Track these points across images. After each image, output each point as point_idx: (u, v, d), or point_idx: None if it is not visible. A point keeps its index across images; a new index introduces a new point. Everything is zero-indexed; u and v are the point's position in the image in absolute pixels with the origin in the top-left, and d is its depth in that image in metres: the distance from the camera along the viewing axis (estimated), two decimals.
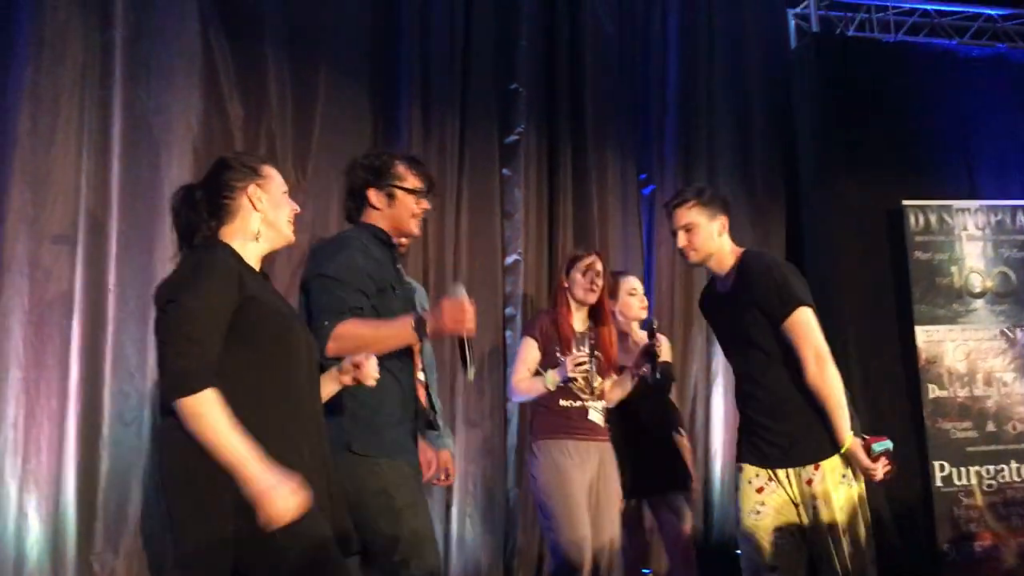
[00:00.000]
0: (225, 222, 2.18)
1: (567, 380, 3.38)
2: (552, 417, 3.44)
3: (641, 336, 3.73)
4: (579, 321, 3.58)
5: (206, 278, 2.02)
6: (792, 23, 5.86)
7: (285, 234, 2.27)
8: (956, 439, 5.13)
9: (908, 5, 5.89)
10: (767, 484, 2.78)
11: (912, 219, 5.35)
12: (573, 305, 3.57)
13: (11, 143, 3.69)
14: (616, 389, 3.58)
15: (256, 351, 2.05)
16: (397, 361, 2.54)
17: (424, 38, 4.72)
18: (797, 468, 2.74)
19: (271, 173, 2.28)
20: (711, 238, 2.87)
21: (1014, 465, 5.14)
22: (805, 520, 2.73)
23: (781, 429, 2.76)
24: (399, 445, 2.52)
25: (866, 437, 2.71)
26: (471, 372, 2.54)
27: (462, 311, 2.41)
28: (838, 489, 2.71)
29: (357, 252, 2.53)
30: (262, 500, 1.89)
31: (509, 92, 4.94)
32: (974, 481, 5.09)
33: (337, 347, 2.38)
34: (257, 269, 2.22)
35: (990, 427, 5.17)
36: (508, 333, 4.75)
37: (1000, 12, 6.00)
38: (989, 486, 5.10)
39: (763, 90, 5.70)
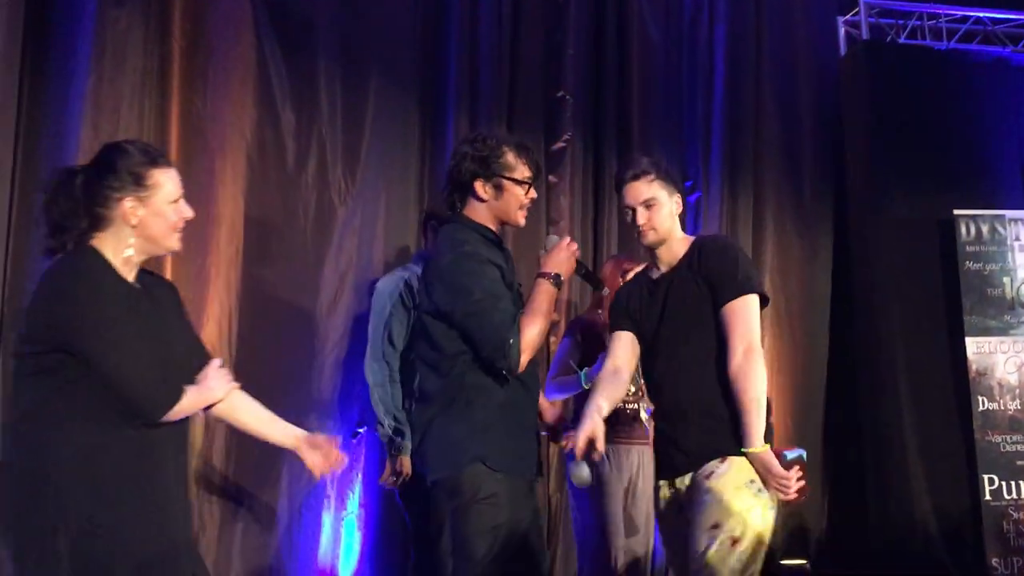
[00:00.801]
0: (98, 228, 2.07)
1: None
2: None
3: None
4: None
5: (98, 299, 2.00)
6: (842, 30, 5.82)
7: (165, 246, 2.15)
8: (1006, 452, 5.05)
9: (960, 12, 5.81)
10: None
11: (963, 229, 5.28)
12: None
13: (73, 150, 3.81)
14: None
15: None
16: (528, 365, 2.50)
17: (472, 47, 4.77)
18: (700, 468, 2.42)
19: (159, 181, 2.11)
20: (671, 217, 2.59)
21: None
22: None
23: (696, 431, 2.44)
24: (526, 456, 2.49)
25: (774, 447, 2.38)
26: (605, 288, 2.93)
27: (567, 249, 2.56)
28: (741, 492, 2.34)
29: (487, 266, 2.47)
30: None
31: (556, 100, 4.97)
32: None
33: (528, 356, 2.42)
34: (134, 273, 2.14)
35: None
36: (551, 339, 4.78)
37: None
38: None
39: (812, 97, 5.66)
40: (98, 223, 2.06)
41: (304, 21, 4.39)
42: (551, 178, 4.91)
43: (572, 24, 5.02)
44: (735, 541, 2.30)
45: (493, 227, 2.59)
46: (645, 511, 3.47)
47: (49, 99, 3.85)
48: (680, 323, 2.52)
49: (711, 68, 5.43)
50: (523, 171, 2.57)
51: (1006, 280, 5.26)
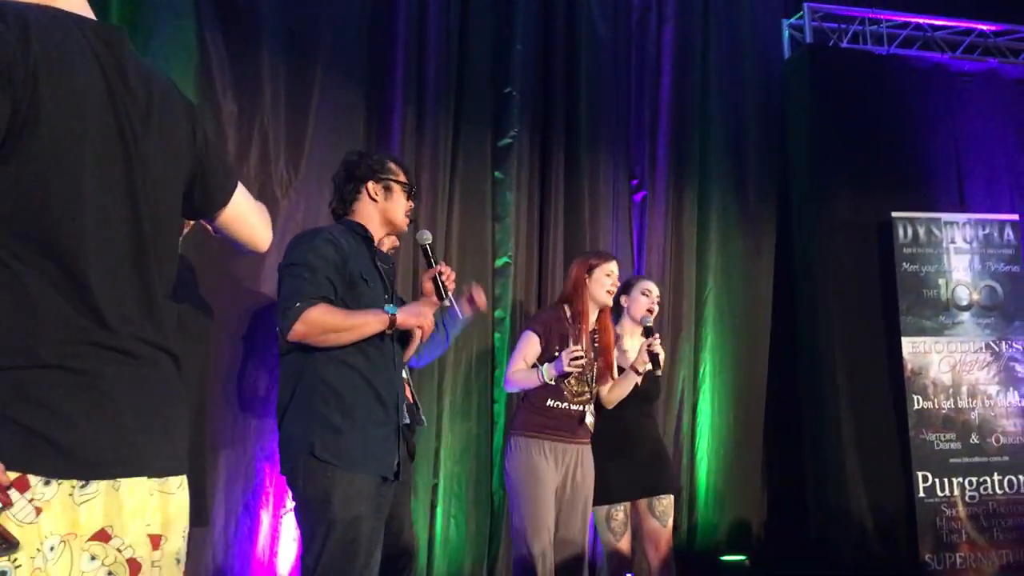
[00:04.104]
0: None
1: (562, 374, 3.41)
2: (535, 415, 3.47)
3: (635, 341, 3.79)
4: (590, 323, 3.62)
5: None
6: (786, 33, 5.90)
7: None
8: (940, 450, 5.17)
9: (901, 18, 5.93)
10: None
11: (901, 231, 5.39)
12: (591, 305, 3.60)
13: None
14: (617, 388, 3.62)
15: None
16: (367, 361, 2.53)
17: (420, 40, 4.73)
18: None
19: None
20: None
21: (996, 477, 5.18)
22: None
23: None
24: (368, 453, 2.49)
25: None
26: (448, 301, 2.67)
27: (426, 315, 2.61)
28: None
29: (326, 244, 2.55)
30: None
31: (503, 95, 4.96)
32: (956, 492, 5.13)
33: (305, 330, 2.42)
34: None
35: (974, 439, 5.21)
36: (496, 335, 4.77)
37: (992, 27, 6.05)
38: (971, 498, 5.13)
39: (757, 99, 5.73)
40: None
41: (248, 7, 4.30)
42: (497, 174, 4.90)
43: (521, 20, 5.01)
44: None
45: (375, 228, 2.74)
46: (582, 507, 3.48)
47: None
48: None
49: (658, 67, 5.47)
50: (405, 178, 2.79)
51: (941, 282, 5.39)
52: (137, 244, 1.38)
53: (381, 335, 2.56)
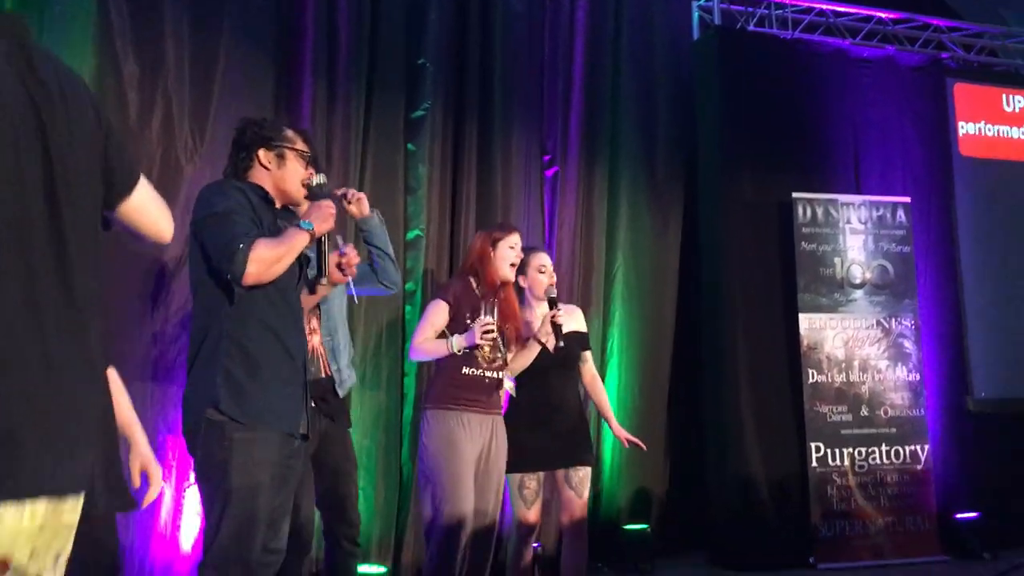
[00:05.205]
0: None
1: (473, 346, 3.42)
2: (450, 386, 3.47)
3: (542, 311, 3.81)
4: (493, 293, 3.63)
5: None
6: (696, 15, 6.00)
7: None
8: (832, 422, 5.40)
9: (805, 4, 6.10)
10: None
11: (800, 211, 5.57)
12: (496, 278, 3.60)
13: None
14: (519, 358, 3.64)
15: None
16: (277, 316, 2.49)
17: (331, 7, 4.64)
18: None
19: None
20: None
21: (884, 448, 5.45)
22: None
23: None
24: (274, 412, 2.44)
25: None
26: (324, 279, 2.62)
27: (326, 208, 2.55)
28: None
29: (237, 191, 2.51)
30: None
31: (417, 67, 4.91)
32: (847, 463, 5.37)
33: (257, 269, 2.37)
34: None
35: (864, 411, 5.46)
36: (407, 308, 4.75)
37: (891, 15, 6.28)
38: (860, 467, 5.38)
39: (667, 79, 5.82)
40: None
41: None
42: (410, 146, 4.86)
43: None
44: None
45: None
46: (496, 479, 3.51)
47: None
48: None
49: (571, 44, 5.50)
50: (303, 146, 2.69)
51: (837, 261, 5.61)
52: (52, 221, 1.37)
53: (292, 287, 2.54)
